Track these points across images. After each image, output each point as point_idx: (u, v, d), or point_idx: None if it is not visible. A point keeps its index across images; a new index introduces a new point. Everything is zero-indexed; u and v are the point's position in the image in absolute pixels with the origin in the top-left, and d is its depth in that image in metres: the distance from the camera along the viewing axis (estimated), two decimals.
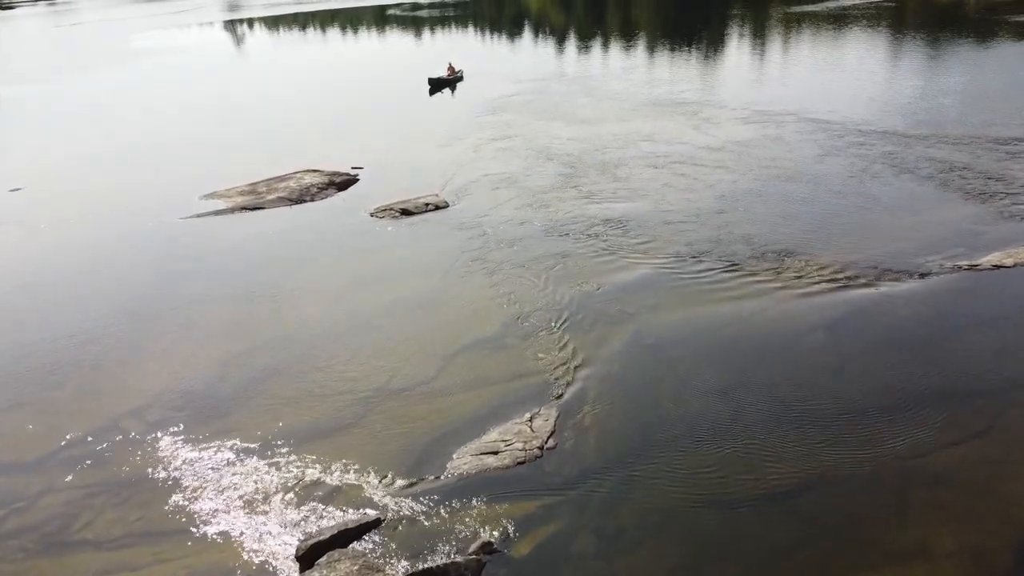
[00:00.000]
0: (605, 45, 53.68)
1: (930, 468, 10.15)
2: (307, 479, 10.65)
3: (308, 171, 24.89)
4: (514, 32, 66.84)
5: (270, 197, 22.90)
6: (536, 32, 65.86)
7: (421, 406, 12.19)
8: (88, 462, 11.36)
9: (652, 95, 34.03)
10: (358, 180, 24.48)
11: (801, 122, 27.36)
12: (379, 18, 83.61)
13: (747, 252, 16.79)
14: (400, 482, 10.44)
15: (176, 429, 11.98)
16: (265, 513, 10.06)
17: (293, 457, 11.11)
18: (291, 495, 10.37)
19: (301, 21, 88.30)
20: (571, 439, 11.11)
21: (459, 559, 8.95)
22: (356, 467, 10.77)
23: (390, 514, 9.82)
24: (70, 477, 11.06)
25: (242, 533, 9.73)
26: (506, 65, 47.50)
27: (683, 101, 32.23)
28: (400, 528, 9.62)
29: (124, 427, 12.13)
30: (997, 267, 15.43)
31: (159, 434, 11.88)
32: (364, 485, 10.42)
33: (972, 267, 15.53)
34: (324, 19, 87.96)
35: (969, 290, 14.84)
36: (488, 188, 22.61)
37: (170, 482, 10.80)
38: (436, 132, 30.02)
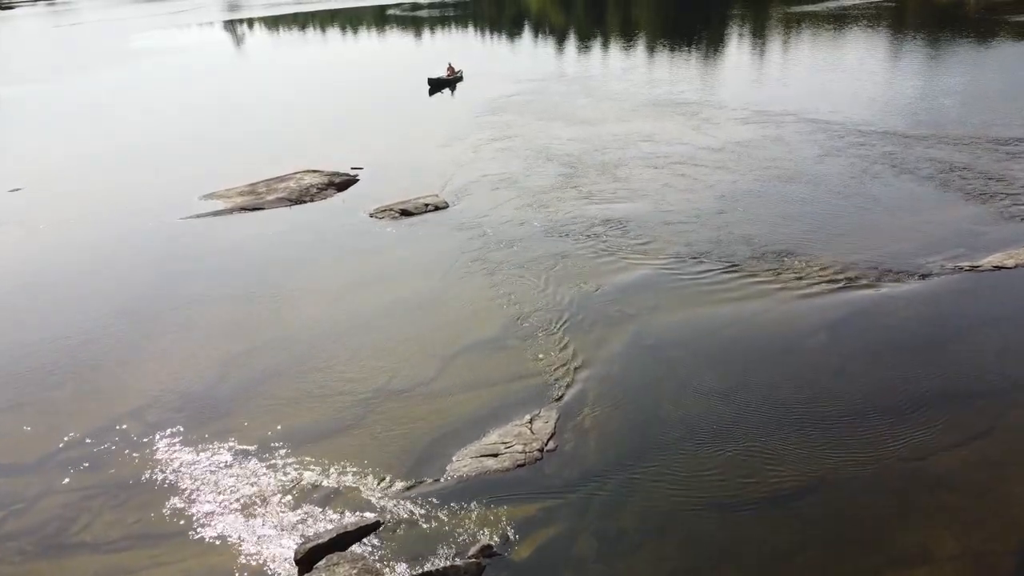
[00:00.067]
0: (605, 45, 53.65)
1: (932, 470, 10.11)
2: (306, 481, 10.61)
3: (308, 171, 24.85)
4: (514, 32, 66.80)
5: (270, 197, 22.86)
6: (536, 32, 65.83)
7: (421, 407, 12.15)
8: (87, 464, 11.32)
9: (652, 95, 33.98)
10: (358, 180, 24.44)
11: (801, 122, 27.32)
12: (379, 18, 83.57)
13: (747, 253, 16.75)
14: (399, 484, 10.40)
15: (175, 430, 11.94)
16: (263, 516, 10.02)
17: (292, 459, 11.07)
18: (289, 497, 10.33)
19: (301, 21, 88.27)
20: (571, 441, 11.07)
21: (459, 562, 8.91)
22: (355, 469, 10.74)
23: (389, 517, 9.78)
24: (69, 479, 11.02)
25: (240, 536, 9.69)
26: (506, 65, 47.46)
27: (683, 101, 32.19)
28: (399, 531, 9.58)
29: (123, 428, 12.09)
30: (998, 268, 15.40)
31: (158, 435, 11.84)
32: (363, 487, 10.38)
33: (973, 268, 15.49)
34: (324, 19, 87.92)
35: (970, 291, 14.80)
36: (488, 188, 22.57)
37: (168, 484, 10.76)
38: (436, 132, 29.98)
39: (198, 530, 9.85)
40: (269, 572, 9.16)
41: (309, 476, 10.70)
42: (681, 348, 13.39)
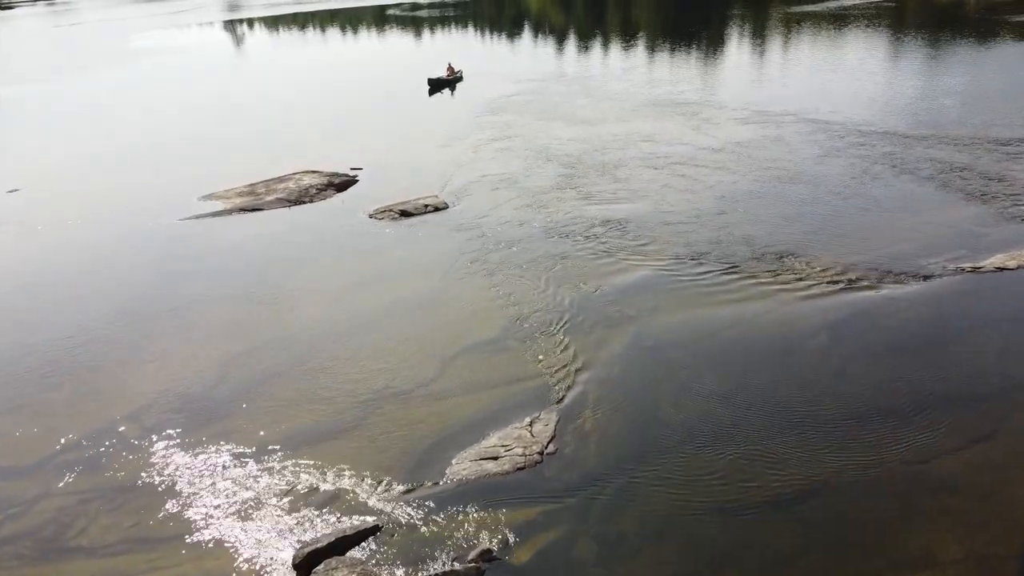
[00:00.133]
0: (605, 45, 53.59)
1: (934, 473, 10.05)
2: (304, 484, 10.54)
3: (307, 172, 24.79)
4: (514, 32, 66.75)
5: (269, 198, 22.80)
6: (536, 32, 65.77)
7: (420, 409, 12.10)
8: (84, 466, 11.25)
9: (652, 95, 33.93)
10: (357, 181, 24.38)
11: (801, 123, 27.26)
12: (379, 18, 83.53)
13: (747, 254, 16.69)
14: (399, 488, 10.34)
15: (173, 432, 11.87)
16: (262, 519, 9.95)
17: (290, 462, 11.01)
18: (288, 501, 10.27)
19: (301, 21, 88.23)
20: (571, 444, 11.01)
21: (458, 567, 8.85)
22: (354, 472, 10.68)
23: (388, 521, 9.72)
24: (66, 482, 10.96)
25: (238, 540, 9.63)
26: (506, 65, 47.40)
27: (683, 101, 32.13)
28: (398, 535, 9.52)
29: (121, 430, 12.03)
30: (1000, 269, 15.34)
31: (156, 438, 11.78)
32: (362, 491, 10.32)
33: (975, 269, 15.42)
34: (324, 19, 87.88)
35: (972, 292, 14.74)
36: (487, 189, 22.52)
37: (166, 487, 10.69)
38: (435, 133, 29.92)
39: (196, 534, 9.79)
40: None
41: (307, 479, 10.64)
42: (681, 350, 13.33)
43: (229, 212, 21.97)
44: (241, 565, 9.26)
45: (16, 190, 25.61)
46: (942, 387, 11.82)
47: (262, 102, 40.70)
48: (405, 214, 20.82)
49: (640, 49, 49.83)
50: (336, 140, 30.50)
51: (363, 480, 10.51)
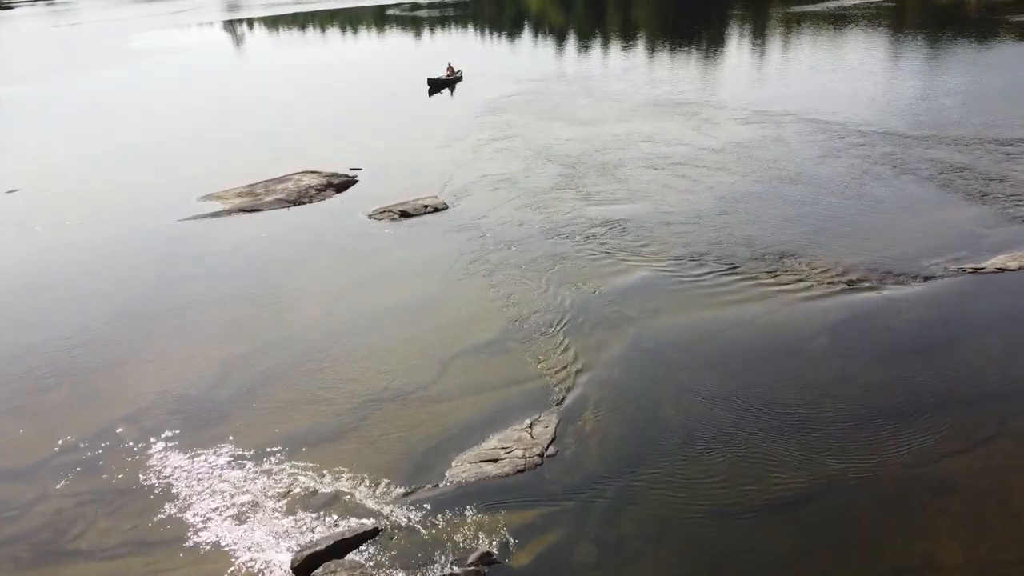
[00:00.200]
0: (605, 45, 53.53)
1: (936, 476, 10.01)
2: (303, 487, 10.50)
3: (307, 172, 24.74)
4: (514, 32, 66.70)
5: (268, 199, 22.76)
6: (536, 32, 65.71)
7: (420, 411, 12.06)
8: (82, 468, 11.22)
9: (652, 96, 33.88)
10: (357, 181, 24.34)
11: (801, 123, 27.22)
12: (379, 18, 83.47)
13: (748, 255, 16.65)
14: (398, 490, 10.30)
15: (172, 434, 11.83)
16: (260, 522, 9.92)
17: (289, 464, 10.97)
18: (287, 504, 10.23)
19: (301, 21, 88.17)
20: (571, 446, 10.97)
21: (457, 570, 8.82)
22: (353, 474, 10.63)
23: (387, 524, 9.68)
24: (64, 484, 10.92)
25: (237, 543, 9.59)
26: (506, 65, 47.35)
27: (683, 102, 32.09)
28: (397, 538, 9.48)
29: (119, 432, 11.99)
30: (1001, 270, 15.29)
31: (154, 440, 11.74)
32: (361, 493, 10.28)
33: (976, 270, 15.38)
34: (324, 19, 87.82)
35: (973, 293, 14.69)
36: (487, 189, 22.48)
37: (164, 490, 10.65)
38: (435, 133, 29.88)
39: (194, 537, 9.75)
40: None
41: (307, 482, 10.60)
42: (682, 351, 13.29)
43: (228, 212, 21.93)
44: (240, 568, 9.22)
45: (16, 190, 25.57)
46: (943, 389, 11.78)
47: (262, 102, 40.66)
48: (405, 215, 20.78)
49: (640, 49, 49.79)
50: (336, 140, 30.46)
51: (362, 482, 10.47)
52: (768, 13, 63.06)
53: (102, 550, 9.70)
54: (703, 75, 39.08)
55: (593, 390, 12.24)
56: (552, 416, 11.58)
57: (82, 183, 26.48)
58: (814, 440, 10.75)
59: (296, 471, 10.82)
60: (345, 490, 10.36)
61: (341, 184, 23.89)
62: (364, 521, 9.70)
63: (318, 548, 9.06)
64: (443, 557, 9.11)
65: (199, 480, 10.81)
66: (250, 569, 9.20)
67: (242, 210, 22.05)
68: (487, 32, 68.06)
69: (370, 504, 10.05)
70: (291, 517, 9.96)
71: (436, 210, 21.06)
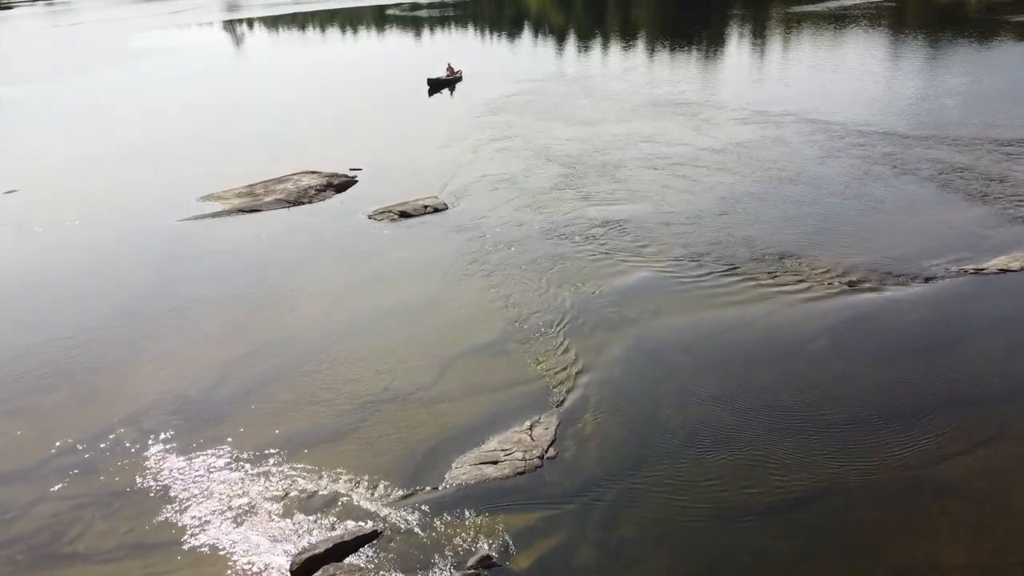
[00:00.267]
0: (605, 45, 53.50)
1: (937, 477, 9.97)
2: (302, 489, 10.46)
3: (306, 172, 24.70)
4: (514, 32, 66.66)
5: (268, 199, 22.72)
6: (536, 32, 65.67)
7: (419, 413, 12.01)
8: (80, 470, 11.17)
9: (652, 96, 33.84)
10: (356, 182, 24.30)
11: (802, 123, 27.18)
12: (379, 18, 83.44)
13: (748, 255, 16.61)
14: (397, 493, 10.26)
15: (170, 436, 11.79)
16: (259, 525, 9.87)
17: (288, 466, 10.93)
18: (285, 506, 10.18)
19: (300, 21, 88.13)
20: (572, 448, 10.93)
21: (457, 573, 8.78)
22: (352, 476, 10.59)
23: (387, 526, 9.64)
24: (61, 486, 10.88)
25: (235, 545, 9.54)
26: (505, 65, 47.32)
27: (683, 102, 32.05)
28: (397, 541, 9.44)
29: (118, 434, 11.95)
30: (1003, 271, 15.25)
31: (153, 441, 11.69)
32: (360, 495, 10.23)
33: (978, 271, 15.34)
34: (324, 19, 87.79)
35: (975, 294, 14.65)
36: (487, 190, 22.44)
37: (162, 492, 10.61)
38: (435, 133, 29.84)
39: (192, 539, 9.71)
40: None
41: (306, 484, 10.55)
42: (682, 352, 13.25)
43: (228, 213, 21.89)
44: (238, 571, 9.18)
45: (15, 190, 25.53)
46: (945, 390, 11.74)
47: (262, 102, 40.63)
48: (404, 215, 20.74)
49: (640, 49, 49.75)
50: (336, 140, 30.42)
51: (361, 485, 10.43)
52: (768, 13, 63.02)
53: (99, 553, 9.65)
54: (703, 75, 39.04)
55: (593, 391, 12.20)
56: (552, 418, 11.54)
57: (82, 183, 26.44)
58: (815, 442, 10.71)
59: (295, 473, 10.77)
60: (344, 492, 10.32)
61: (341, 184, 23.85)
62: (363, 524, 9.65)
63: (317, 551, 9.02)
64: (442, 560, 9.07)
65: (197, 482, 10.76)
66: (248, 572, 9.15)
67: (242, 210, 22.01)
68: (487, 32, 68.02)
69: (369, 506, 10.01)
70: (289, 519, 9.92)
71: (436, 210, 21.02)
